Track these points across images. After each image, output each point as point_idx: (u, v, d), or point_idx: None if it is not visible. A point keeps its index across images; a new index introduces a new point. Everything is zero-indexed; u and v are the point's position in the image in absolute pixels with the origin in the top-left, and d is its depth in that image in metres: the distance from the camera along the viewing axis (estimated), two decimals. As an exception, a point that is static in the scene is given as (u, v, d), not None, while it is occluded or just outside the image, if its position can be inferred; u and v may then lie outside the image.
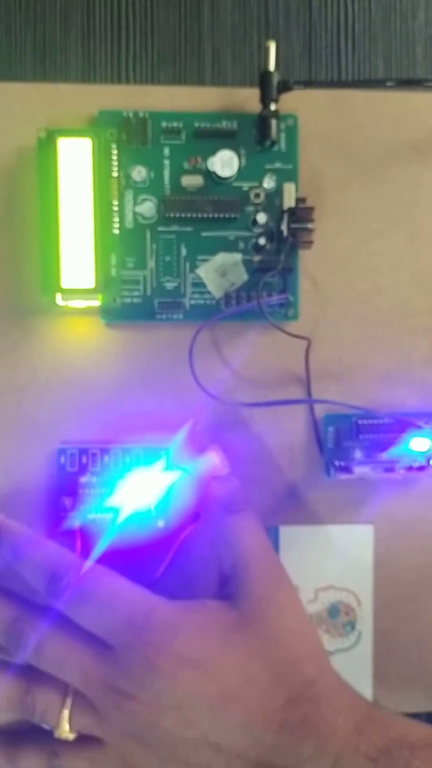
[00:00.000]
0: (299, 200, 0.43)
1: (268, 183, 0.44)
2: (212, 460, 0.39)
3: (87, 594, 0.33)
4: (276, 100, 0.42)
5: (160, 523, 0.43)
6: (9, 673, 0.34)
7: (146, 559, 0.42)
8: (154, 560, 0.42)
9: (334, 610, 0.45)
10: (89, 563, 0.35)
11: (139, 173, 0.43)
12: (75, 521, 0.43)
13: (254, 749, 0.31)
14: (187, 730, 0.31)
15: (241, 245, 0.44)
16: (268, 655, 0.32)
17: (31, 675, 0.34)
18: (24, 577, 0.35)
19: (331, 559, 0.46)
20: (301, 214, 0.42)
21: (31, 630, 0.33)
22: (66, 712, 0.33)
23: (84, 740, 0.34)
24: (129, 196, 0.43)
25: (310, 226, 0.42)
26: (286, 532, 0.45)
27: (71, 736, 0.33)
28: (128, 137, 0.43)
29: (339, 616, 0.45)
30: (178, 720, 0.31)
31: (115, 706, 0.32)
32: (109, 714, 0.32)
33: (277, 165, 0.44)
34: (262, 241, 0.43)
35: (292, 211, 0.42)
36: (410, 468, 0.43)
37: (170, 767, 0.32)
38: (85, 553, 0.43)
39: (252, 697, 0.31)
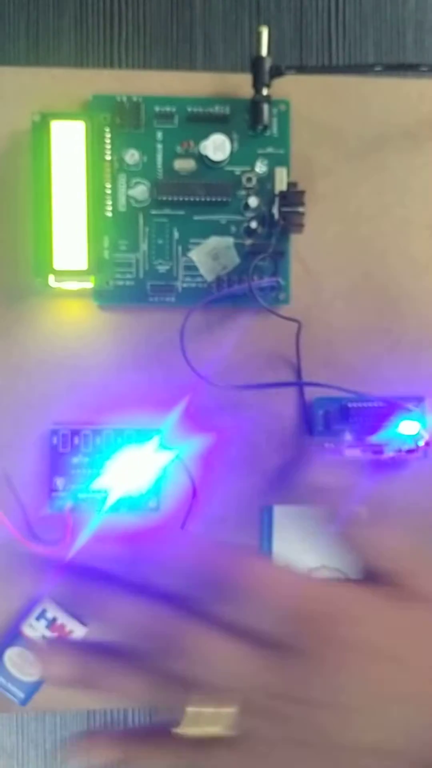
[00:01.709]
0: (291, 184, 0.44)
1: (260, 167, 0.45)
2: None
3: (252, 591, 0.28)
4: (268, 85, 0.44)
5: (152, 505, 0.44)
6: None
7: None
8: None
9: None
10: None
11: (132, 157, 0.44)
12: (67, 502, 0.44)
13: None
14: (378, 734, 0.28)
15: (233, 229, 0.45)
16: None
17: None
18: (182, 585, 0.30)
19: (324, 539, 0.47)
20: (292, 198, 0.43)
21: (188, 635, 0.28)
22: (231, 712, 0.28)
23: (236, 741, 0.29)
24: (122, 179, 0.44)
25: (301, 210, 0.43)
26: (281, 512, 0.46)
27: (193, 734, 0.29)
28: (121, 121, 0.44)
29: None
30: (369, 722, 0.28)
31: (293, 714, 0.28)
32: (287, 722, 0.28)
33: (269, 149, 0.45)
34: (253, 224, 0.44)
35: (283, 195, 0.43)
36: (399, 451, 0.44)
37: None
38: (76, 533, 0.44)
39: None
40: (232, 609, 0.29)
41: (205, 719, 0.28)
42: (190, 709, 0.28)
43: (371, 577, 0.31)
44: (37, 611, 0.44)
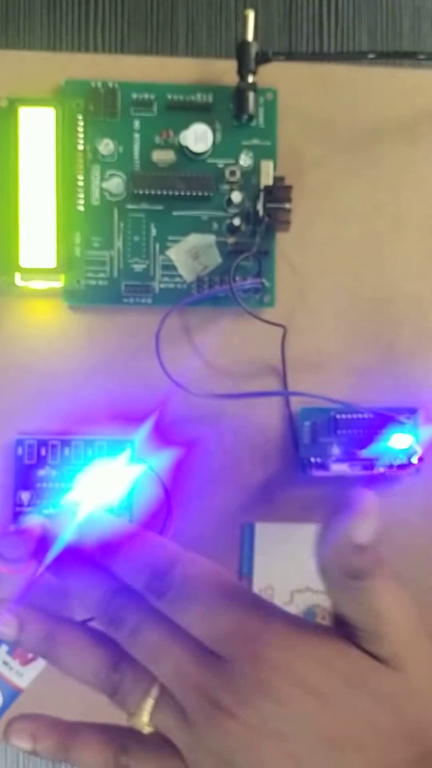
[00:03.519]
0: (277, 179, 0.42)
1: (245, 160, 0.43)
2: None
3: (193, 594, 0.30)
4: (254, 72, 0.42)
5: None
6: (102, 645, 0.32)
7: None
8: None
9: (309, 614, 0.44)
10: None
11: (106, 147, 0.43)
12: (32, 518, 0.42)
13: None
14: (287, 765, 0.28)
15: (215, 226, 0.43)
16: (403, 709, 0.29)
17: (123, 654, 0.31)
18: (120, 576, 0.32)
19: (309, 560, 0.45)
20: (278, 193, 0.41)
21: (131, 607, 0.31)
22: (150, 702, 0.30)
23: (156, 743, 0.31)
24: (95, 171, 0.43)
25: (287, 206, 0.41)
26: (263, 530, 0.44)
27: (147, 729, 0.30)
28: (96, 108, 0.43)
29: (315, 620, 0.44)
30: (281, 752, 0.28)
31: (208, 718, 0.29)
32: (197, 723, 0.29)
33: (255, 141, 0.43)
34: (237, 221, 0.43)
35: (268, 190, 0.42)
36: (390, 466, 0.43)
37: None
38: (42, 552, 0.42)
39: (375, 750, 0.28)
40: (166, 608, 0.30)
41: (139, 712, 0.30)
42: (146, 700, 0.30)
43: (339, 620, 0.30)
44: (-1, 635, 0.42)
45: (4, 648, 0.41)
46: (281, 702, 0.28)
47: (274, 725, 0.28)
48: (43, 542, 0.42)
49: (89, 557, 0.33)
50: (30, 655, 0.41)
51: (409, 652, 0.29)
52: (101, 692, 0.31)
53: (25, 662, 0.41)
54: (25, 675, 0.41)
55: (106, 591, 0.32)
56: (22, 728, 0.32)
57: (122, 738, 0.31)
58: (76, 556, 0.33)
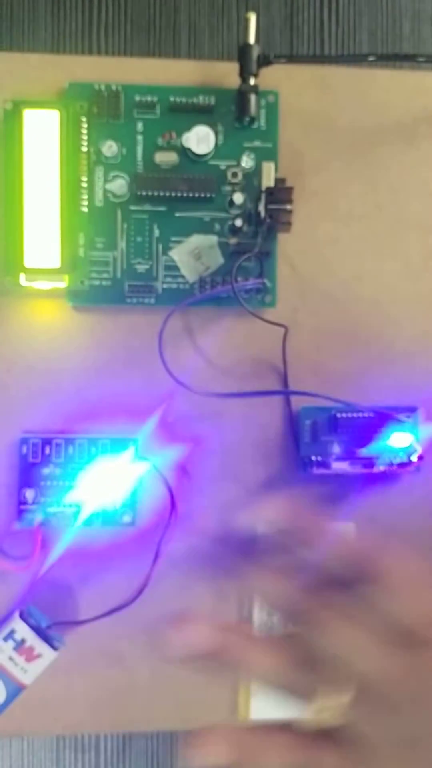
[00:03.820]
0: (278, 180, 0.42)
1: (247, 162, 0.44)
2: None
3: (390, 586, 0.30)
4: (256, 75, 0.42)
5: (127, 519, 0.43)
6: (289, 648, 0.31)
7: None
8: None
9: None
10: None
11: (110, 148, 0.43)
12: (36, 515, 0.42)
13: None
14: None
15: (217, 227, 0.44)
16: None
17: (312, 655, 0.31)
18: (323, 564, 0.32)
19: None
20: (279, 194, 0.42)
21: (325, 604, 0.30)
22: (345, 696, 0.30)
23: (332, 738, 0.31)
24: (99, 172, 0.43)
25: (288, 207, 0.41)
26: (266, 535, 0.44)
27: (337, 723, 0.30)
28: (99, 110, 0.43)
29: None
30: None
31: (403, 704, 0.29)
32: (391, 711, 0.30)
33: (256, 143, 0.44)
34: (238, 222, 0.43)
35: (270, 192, 0.42)
36: (390, 464, 0.43)
37: None
38: (46, 549, 0.43)
39: None
40: (369, 597, 0.30)
41: (326, 709, 0.30)
42: (320, 698, 0.30)
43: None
44: (4, 632, 0.42)
45: (11, 644, 0.42)
46: None
47: None
48: (47, 540, 0.43)
49: (275, 557, 0.32)
50: (35, 653, 0.42)
51: None
52: (294, 695, 0.31)
53: (30, 659, 0.42)
54: (29, 672, 0.42)
55: (298, 590, 0.31)
56: (216, 743, 0.31)
57: (303, 740, 0.31)
58: (263, 558, 0.32)
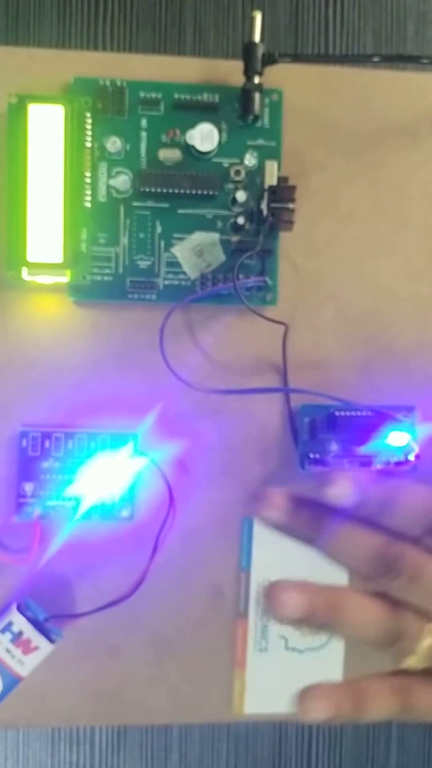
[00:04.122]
0: (281, 179, 0.43)
1: (250, 160, 0.44)
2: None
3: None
4: (260, 73, 0.42)
5: (125, 513, 0.43)
6: (378, 600, 0.32)
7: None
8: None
9: (304, 609, 0.45)
10: None
11: (114, 144, 0.43)
12: (35, 509, 0.43)
13: None
14: None
15: (219, 224, 0.44)
16: None
17: (398, 604, 0.32)
18: (395, 527, 0.32)
19: (307, 554, 0.45)
20: (282, 193, 0.42)
21: (408, 552, 0.32)
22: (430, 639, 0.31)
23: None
24: (103, 168, 0.43)
25: (291, 206, 0.42)
26: (262, 524, 0.44)
27: (422, 666, 0.32)
28: (104, 106, 0.43)
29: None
30: None
31: None
32: None
33: (260, 141, 0.44)
34: (241, 220, 0.43)
35: (273, 190, 0.42)
36: (388, 463, 0.43)
37: None
38: (45, 542, 0.43)
39: None
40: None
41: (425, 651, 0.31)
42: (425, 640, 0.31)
43: None
44: (2, 624, 0.42)
45: (8, 636, 0.42)
46: None
47: None
48: (46, 533, 0.43)
49: (349, 518, 0.33)
50: (32, 645, 0.42)
51: None
52: (383, 646, 0.32)
53: (27, 651, 0.42)
54: (26, 664, 0.42)
55: (380, 543, 0.32)
56: (320, 703, 0.32)
57: (400, 681, 0.32)
58: (336, 519, 0.33)
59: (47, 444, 0.43)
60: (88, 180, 0.43)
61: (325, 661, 0.45)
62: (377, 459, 0.43)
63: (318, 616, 0.32)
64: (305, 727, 0.51)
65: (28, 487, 0.43)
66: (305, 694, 0.32)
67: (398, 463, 0.43)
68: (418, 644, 0.32)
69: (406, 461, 0.43)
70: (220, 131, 0.43)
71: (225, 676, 0.45)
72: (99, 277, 0.43)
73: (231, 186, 0.44)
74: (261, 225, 0.43)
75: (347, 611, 0.32)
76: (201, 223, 0.44)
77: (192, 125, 0.42)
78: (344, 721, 0.33)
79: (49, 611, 0.43)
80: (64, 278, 0.42)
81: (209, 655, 0.45)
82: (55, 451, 0.43)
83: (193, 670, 0.44)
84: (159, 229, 0.44)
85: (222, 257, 0.44)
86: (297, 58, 0.44)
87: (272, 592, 0.32)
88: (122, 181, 0.43)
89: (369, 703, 0.32)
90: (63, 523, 0.43)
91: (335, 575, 0.45)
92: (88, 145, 0.43)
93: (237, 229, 0.43)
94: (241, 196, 0.43)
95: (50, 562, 0.43)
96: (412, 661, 0.32)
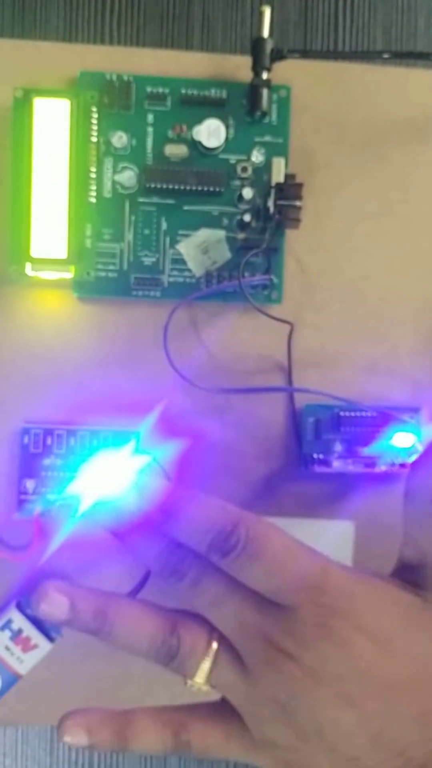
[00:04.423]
0: (288, 176, 0.42)
1: (257, 156, 0.43)
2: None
3: (257, 552, 0.30)
4: (269, 69, 0.42)
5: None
6: (155, 613, 0.32)
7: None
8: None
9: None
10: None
11: (119, 139, 0.43)
12: (36, 506, 0.42)
13: (421, 749, 0.29)
14: (345, 709, 0.29)
15: (225, 221, 0.43)
16: None
17: (177, 620, 0.32)
18: (181, 539, 0.32)
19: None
20: (289, 190, 0.41)
21: (193, 559, 0.31)
22: (209, 660, 0.31)
23: (212, 711, 0.32)
24: (108, 163, 0.43)
25: (298, 203, 0.41)
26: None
27: (205, 689, 0.31)
28: (110, 101, 0.43)
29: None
30: (339, 695, 0.29)
31: (268, 663, 0.29)
32: (257, 670, 0.30)
33: (267, 138, 0.43)
34: (247, 217, 0.43)
35: (280, 187, 0.42)
36: (392, 465, 0.43)
37: (309, 749, 0.30)
38: (45, 540, 0.43)
39: (429, 688, 0.29)
40: (230, 566, 0.30)
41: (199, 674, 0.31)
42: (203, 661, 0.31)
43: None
44: (1, 621, 0.42)
45: (7, 633, 0.42)
46: (341, 644, 0.29)
47: (332, 667, 0.29)
48: (46, 531, 0.43)
49: (147, 523, 0.32)
50: (32, 643, 0.42)
51: None
52: (157, 661, 0.32)
53: (27, 649, 0.42)
54: (25, 662, 0.42)
55: (168, 545, 0.31)
56: (75, 724, 0.32)
57: (178, 715, 0.32)
58: (135, 522, 0.33)
59: (49, 441, 0.43)
60: (93, 175, 0.42)
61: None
62: (382, 460, 0.43)
63: (83, 619, 0.32)
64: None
65: (30, 484, 0.43)
66: (64, 717, 0.32)
67: (403, 465, 0.43)
68: (197, 667, 0.31)
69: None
70: (227, 127, 0.43)
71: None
72: (103, 274, 0.43)
73: (237, 183, 0.43)
74: (267, 222, 0.43)
75: (116, 619, 0.32)
76: (207, 220, 0.43)
77: (199, 121, 0.42)
78: (108, 750, 0.32)
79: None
80: (68, 274, 0.42)
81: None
82: (56, 449, 0.43)
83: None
84: (164, 226, 0.43)
85: (227, 255, 0.43)
86: (306, 54, 0.44)
87: (41, 587, 0.32)
88: (128, 176, 0.43)
89: (135, 734, 0.31)
90: (64, 520, 0.43)
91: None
92: (94, 140, 0.42)
93: (243, 226, 0.43)
94: (247, 193, 0.43)
95: (51, 560, 0.43)
96: (194, 684, 0.31)
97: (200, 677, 0.31)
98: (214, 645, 0.31)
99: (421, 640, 0.30)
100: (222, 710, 0.32)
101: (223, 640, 0.31)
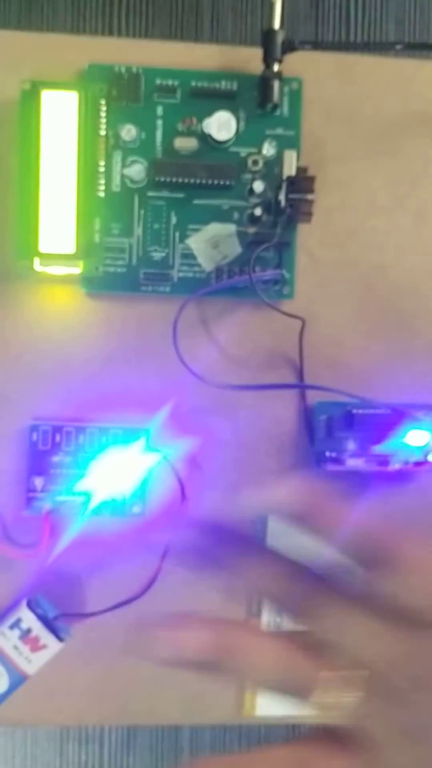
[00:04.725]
0: (300, 169, 0.42)
1: (268, 149, 0.43)
2: None
3: (400, 565, 0.29)
4: (280, 61, 0.42)
5: (136, 509, 0.42)
6: (292, 645, 0.30)
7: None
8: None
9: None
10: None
11: (128, 132, 0.42)
12: (45, 503, 0.42)
13: None
14: None
15: (236, 215, 0.43)
16: None
17: (312, 651, 0.30)
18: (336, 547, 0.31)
19: (321, 554, 0.45)
20: (301, 183, 0.41)
21: (332, 597, 0.29)
22: (352, 692, 0.29)
23: (335, 741, 0.30)
24: (117, 156, 0.42)
25: (309, 197, 0.41)
26: (275, 524, 0.43)
27: (344, 721, 0.29)
28: (119, 93, 0.42)
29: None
30: None
31: (411, 693, 0.28)
32: (398, 702, 0.29)
33: (278, 131, 0.43)
34: (258, 211, 0.42)
35: (291, 181, 0.41)
36: (406, 463, 0.42)
37: None
38: (54, 538, 0.42)
39: None
40: (378, 580, 0.29)
41: (333, 706, 0.29)
42: (326, 693, 0.28)
43: None
44: (11, 620, 0.42)
45: (17, 632, 0.41)
46: None
47: None
48: (56, 528, 0.42)
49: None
50: (40, 643, 0.41)
51: None
52: (296, 696, 0.30)
53: (35, 649, 0.41)
54: (33, 662, 0.42)
55: (304, 585, 0.30)
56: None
57: (296, 752, 0.30)
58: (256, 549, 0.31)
59: (58, 438, 0.42)
60: (102, 169, 0.42)
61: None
62: (395, 458, 0.42)
63: (216, 657, 0.29)
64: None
65: (38, 482, 0.42)
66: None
67: (417, 463, 0.42)
68: (334, 698, 0.29)
69: (425, 461, 0.42)
70: (237, 120, 0.42)
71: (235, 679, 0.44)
72: (112, 269, 0.43)
73: (248, 176, 0.43)
74: (278, 216, 0.42)
75: (251, 655, 0.29)
76: (217, 214, 0.43)
77: (209, 113, 0.42)
78: None
79: (57, 608, 0.42)
80: (77, 269, 0.42)
81: (220, 656, 0.44)
82: (65, 446, 0.42)
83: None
84: (174, 220, 0.43)
85: (238, 249, 0.43)
86: (317, 45, 0.43)
87: (166, 623, 0.29)
88: (137, 170, 0.42)
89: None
90: (73, 518, 0.42)
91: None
92: (103, 133, 0.42)
93: (254, 220, 0.43)
94: (258, 186, 0.42)
95: (60, 559, 0.43)
96: (328, 716, 0.29)
97: (342, 708, 0.29)
98: (356, 677, 0.29)
99: None
100: (343, 740, 0.30)
101: (360, 667, 0.29)
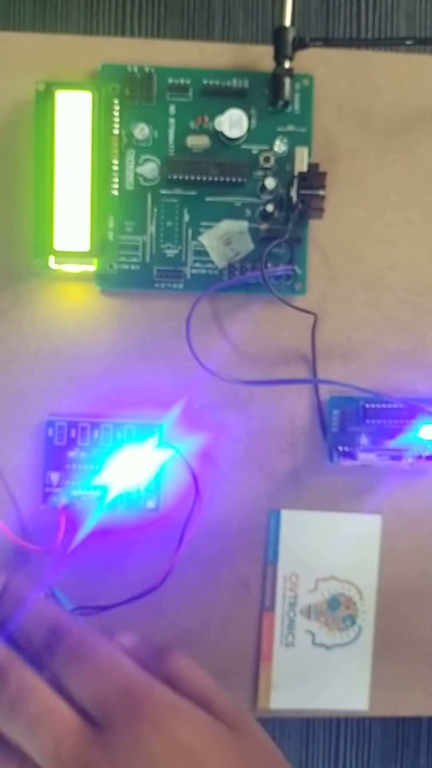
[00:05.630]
0: (312, 166, 0.42)
1: (280, 146, 0.43)
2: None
3: (84, 655, 0.31)
4: (291, 58, 0.42)
5: (150, 504, 0.43)
6: None
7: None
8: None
9: (334, 602, 0.45)
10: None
11: (141, 131, 0.43)
12: (61, 498, 0.43)
13: None
14: None
15: (248, 212, 0.43)
16: (257, 763, 0.31)
17: None
18: (23, 628, 0.33)
19: (335, 549, 0.45)
20: (312, 180, 0.41)
21: (16, 674, 0.31)
22: None
23: None
24: (130, 155, 0.43)
25: (321, 193, 0.41)
26: (289, 517, 0.44)
27: None
28: (132, 93, 0.43)
29: (339, 609, 0.45)
30: None
31: None
32: None
33: (290, 128, 0.43)
34: (270, 208, 0.43)
35: (303, 177, 0.42)
36: (419, 457, 0.43)
37: None
38: (70, 532, 0.43)
39: None
40: (59, 664, 0.31)
41: None
42: None
43: None
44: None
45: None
46: (157, 764, 0.29)
47: None
48: (72, 523, 0.43)
49: None
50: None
51: (245, 711, 0.33)
52: None
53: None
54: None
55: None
56: None
57: None
58: None
59: (73, 433, 0.43)
60: (115, 167, 0.43)
61: (352, 657, 0.45)
62: (408, 453, 0.43)
63: None
64: (333, 724, 0.50)
65: (54, 477, 0.43)
66: None
67: (430, 458, 0.43)
68: None
69: (438, 455, 0.43)
70: (249, 117, 0.43)
71: (250, 670, 0.45)
72: (126, 266, 0.43)
73: (260, 173, 0.43)
74: (290, 213, 0.42)
75: None
76: (229, 211, 0.43)
77: (221, 111, 0.42)
78: None
79: (74, 601, 0.43)
80: (91, 267, 0.42)
81: (234, 650, 0.45)
82: (81, 441, 0.43)
83: (219, 664, 0.44)
84: (187, 218, 0.43)
85: (250, 246, 0.43)
86: (328, 42, 0.43)
87: None
88: (150, 168, 0.43)
89: None
90: (89, 512, 0.43)
91: (365, 576, 0.45)
92: (116, 132, 0.43)
93: (266, 217, 0.43)
94: (270, 183, 0.43)
95: (76, 553, 0.43)
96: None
97: None
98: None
99: (231, 757, 0.30)
100: None
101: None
